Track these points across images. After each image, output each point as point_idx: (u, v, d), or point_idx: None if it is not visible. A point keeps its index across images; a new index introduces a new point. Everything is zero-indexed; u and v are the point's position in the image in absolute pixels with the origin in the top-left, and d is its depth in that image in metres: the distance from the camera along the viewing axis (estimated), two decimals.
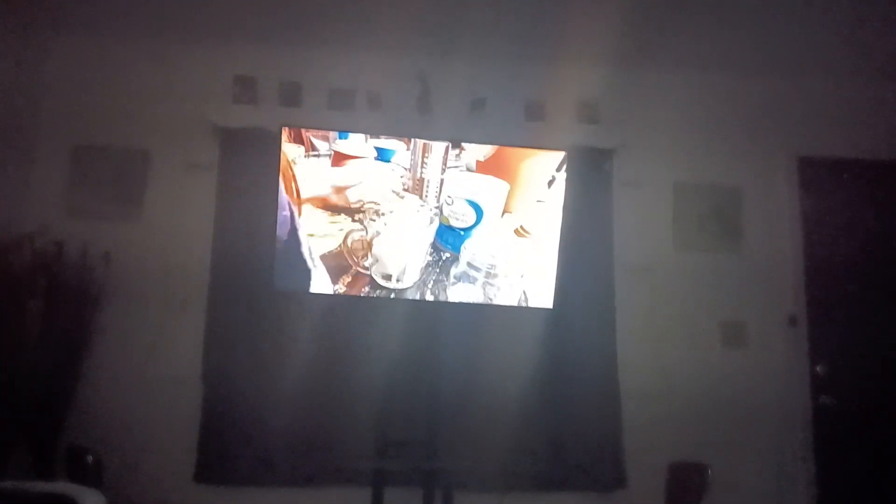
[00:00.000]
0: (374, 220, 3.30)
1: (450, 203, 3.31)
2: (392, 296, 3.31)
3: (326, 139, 3.24)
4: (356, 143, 3.28)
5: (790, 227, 3.89)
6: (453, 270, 3.34)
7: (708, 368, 3.72)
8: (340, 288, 3.29)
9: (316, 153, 3.26)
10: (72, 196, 3.61)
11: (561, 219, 3.33)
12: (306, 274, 3.28)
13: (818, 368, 3.76)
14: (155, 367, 3.49)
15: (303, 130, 3.24)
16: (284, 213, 3.27)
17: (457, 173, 3.30)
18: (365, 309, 3.53)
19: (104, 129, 3.67)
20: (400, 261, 3.33)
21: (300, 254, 3.28)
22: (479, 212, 3.34)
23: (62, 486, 2.41)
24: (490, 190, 3.33)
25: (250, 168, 3.62)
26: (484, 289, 3.36)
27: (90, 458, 3.04)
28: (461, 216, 3.33)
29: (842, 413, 3.71)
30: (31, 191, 3.57)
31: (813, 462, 3.67)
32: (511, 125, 3.79)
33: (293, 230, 3.28)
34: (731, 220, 3.90)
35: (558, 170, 3.34)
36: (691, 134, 3.92)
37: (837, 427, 3.70)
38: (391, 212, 3.30)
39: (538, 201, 3.33)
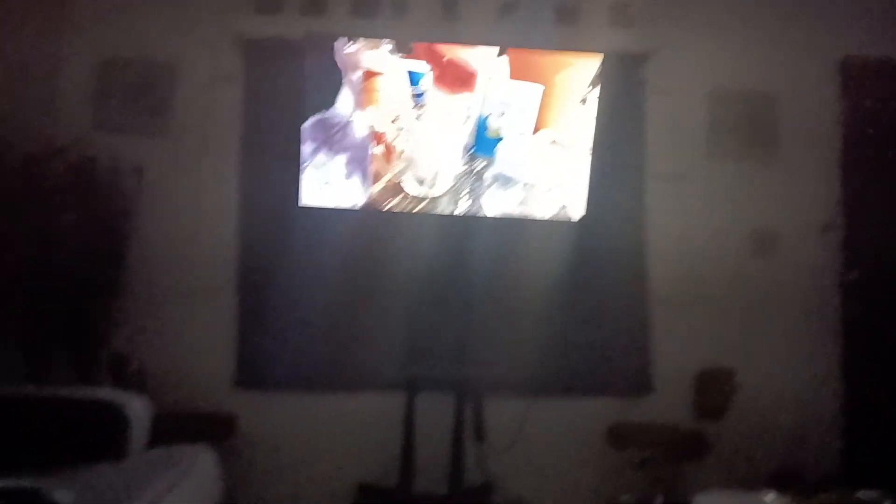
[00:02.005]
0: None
1: (485, 109, 3.27)
2: (425, 203, 3.32)
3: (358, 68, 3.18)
4: (385, 58, 3.22)
5: (828, 134, 3.79)
6: (488, 173, 3.33)
7: (739, 276, 3.71)
8: (372, 198, 3.30)
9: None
10: (100, 110, 3.60)
11: (594, 127, 3.28)
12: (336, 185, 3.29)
13: (850, 276, 3.73)
14: (190, 278, 3.56)
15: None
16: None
17: (492, 81, 3.24)
18: (396, 222, 3.53)
19: (129, 42, 3.62)
20: (433, 163, 3.32)
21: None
22: (513, 117, 3.31)
23: (108, 393, 2.51)
24: (525, 95, 3.27)
25: (276, 79, 3.58)
26: (519, 195, 3.36)
27: (133, 366, 3.14)
28: (496, 122, 3.30)
29: (872, 320, 3.70)
30: (60, 104, 3.56)
31: (841, 369, 3.69)
32: (542, 30, 3.67)
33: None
34: (766, 127, 3.80)
35: (591, 86, 3.28)
36: (727, 37, 3.77)
37: (867, 333, 3.69)
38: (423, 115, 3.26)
39: (572, 116, 3.29)
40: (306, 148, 3.23)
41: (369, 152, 3.30)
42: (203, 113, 3.64)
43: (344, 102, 3.27)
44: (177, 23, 3.63)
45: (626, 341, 3.64)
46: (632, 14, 3.74)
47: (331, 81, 3.25)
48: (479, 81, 3.29)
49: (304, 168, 3.27)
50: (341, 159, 3.29)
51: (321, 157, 3.27)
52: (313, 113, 3.25)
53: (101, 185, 3.38)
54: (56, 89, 3.56)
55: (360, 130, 3.28)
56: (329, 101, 3.25)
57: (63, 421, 2.30)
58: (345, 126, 3.26)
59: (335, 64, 3.23)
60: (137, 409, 2.43)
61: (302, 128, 3.24)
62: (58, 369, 3.29)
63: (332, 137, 3.27)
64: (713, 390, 3.31)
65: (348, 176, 3.30)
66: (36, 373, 3.23)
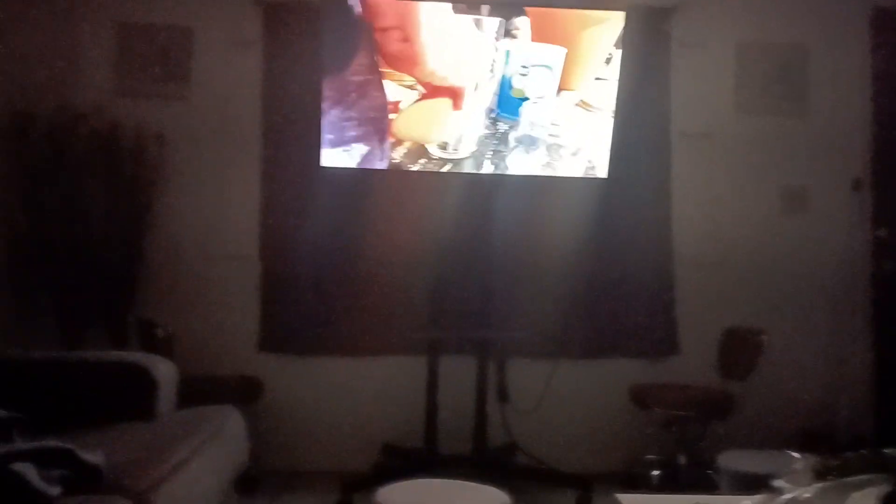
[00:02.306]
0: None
1: (508, 70, 3.22)
2: (449, 167, 3.29)
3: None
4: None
5: (859, 88, 3.70)
6: (512, 135, 3.29)
7: (767, 235, 3.66)
8: (395, 161, 3.28)
9: None
10: (120, 76, 3.60)
11: (617, 85, 3.22)
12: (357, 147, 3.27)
13: (880, 233, 3.66)
14: (214, 245, 3.58)
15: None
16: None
17: (513, 42, 3.19)
18: (418, 182, 3.50)
19: (146, 8, 3.61)
20: (454, 127, 3.28)
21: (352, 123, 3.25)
22: (537, 78, 3.25)
23: (135, 356, 2.54)
24: (549, 57, 3.22)
25: (294, 42, 3.56)
26: (543, 158, 3.32)
27: (160, 331, 3.18)
28: (520, 83, 3.25)
29: None
30: (80, 71, 3.57)
31: (871, 327, 3.64)
32: None
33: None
34: (796, 81, 3.71)
35: (616, 46, 3.21)
36: None
37: None
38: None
39: (597, 78, 3.23)
40: (326, 107, 3.20)
41: (389, 114, 3.27)
42: (223, 77, 3.63)
43: (363, 60, 3.22)
44: None
45: (652, 302, 3.61)
46: None
47: (349, 39, 3.20)
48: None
49: (325, 130, 3.25)
50: (362, 120, 3.26)
51: (341, 117, 3.24)
52: (333, 72, 3.22)
53: (125, 152, 3.40)
54: (75, 57, 3.56)
55: (380, 90, 3.24)
56: (348, 58, 3.21)
57: (92, 383, 2.32)
58: (365, 85, 3.22)
59: (354, 21, 3.18)
60: (164, 371, 2.45)
61: (322, 86, 3.20)
62: (90, 336, 3.35)
63: (352, 97, 3.24)
64: (739, 350, 3.27)
65: (369, 137, 3.27)
66: (69, 339, 3.30)
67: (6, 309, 3.15)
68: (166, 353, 3.09)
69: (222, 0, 3.62)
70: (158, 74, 3.60)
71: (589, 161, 3.34)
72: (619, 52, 3.25)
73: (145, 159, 3.45)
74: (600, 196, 3.51)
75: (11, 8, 3.13)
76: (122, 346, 3.35)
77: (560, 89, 3.28)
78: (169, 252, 3.53)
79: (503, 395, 3.55)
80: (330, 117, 3.22)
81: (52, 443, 1.71)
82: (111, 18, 3.59)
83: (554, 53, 3.24)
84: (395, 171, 3.34)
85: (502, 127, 3.31)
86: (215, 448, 2.18)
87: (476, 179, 3.37)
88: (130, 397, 2.32)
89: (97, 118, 3.34)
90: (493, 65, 3.24)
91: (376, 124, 3.26)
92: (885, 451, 1.77)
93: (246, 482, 2.63)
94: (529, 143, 3.31)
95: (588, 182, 3.40)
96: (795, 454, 2.13)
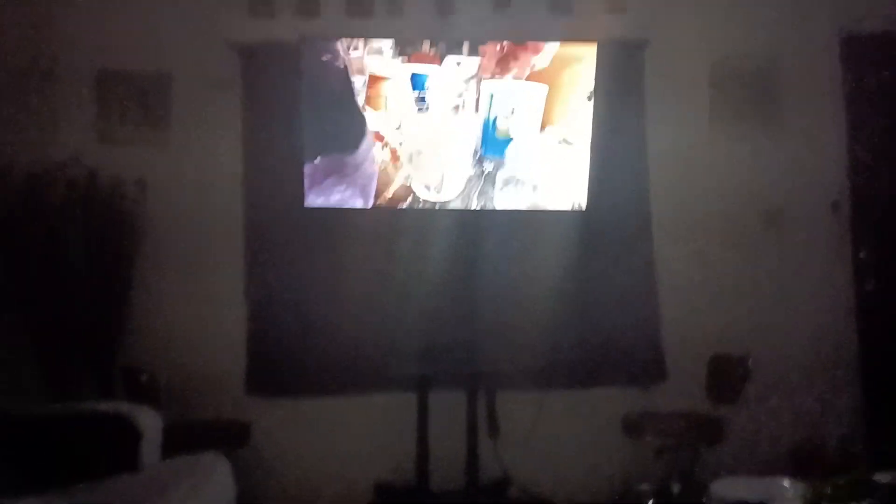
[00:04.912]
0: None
1: (492, 111, 3.27)
2: (436, 208, 3.32)
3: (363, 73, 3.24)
4: (388, 62, 3.24)
5: (833, 110, 3.74)
6: (499, 175, 3.33)
7: (748, 257, 3.67)
8: (382, 201, 3.30)
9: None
10: (99, 123, 3.60)
11: (591, 117, 3.26)
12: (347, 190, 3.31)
13: (861, 254, 3.69)
14: (197, 287, 3.56)
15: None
16: None
17: (496, 83, 3.25)
18: (403, 218, 3.52)
19: (124, 53, 3.62)
20: (438, 167, 3.31)
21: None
22: (520, 118, 3.30)
23: (119, 406, 2.51)
24: (530, 95, 3.27)
25: (273, 83, 3.57)
26: (530, 197, 3.35)
27: (144, 377, 3.15)
28: (504, 123, 3.29)
29: (886, 298, 3.65)
30: (58, 119, 3.56)
31: (857, 348, 3.65)
32: (537, 21, 3.64)
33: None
34: (769, 101, 3.75)
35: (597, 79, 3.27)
36: (724, 11, 3.71)
37: (882, 313, 3.65)
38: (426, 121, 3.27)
39: (579, 112, 3.29)
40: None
41: (374, 157, 3.30)
42: (202, 120, 3.64)
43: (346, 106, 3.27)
44: (170, 31, 3.62)
45: (637, 329, 3.61)
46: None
47: (330, 84, 3.25)
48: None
49: (309, 176, 3.30)
50: (347, 170, 3.30)
51: (325, 165, 3.29)
52: (311, 114, 3.26)
53: (104, 199, 3.38)
54: (53, 105, 3.56)
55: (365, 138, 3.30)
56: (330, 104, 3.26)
57: (75, 436, 2.30)
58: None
59: (333, 66, 3.24)
60: (148, 420, 2.44)
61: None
62: (75, 381, 3.31)
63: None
64: (727, 374, 3.28)
65: (353, 183, 3.32)
66: (54, 387, 3.26)
67: None
68: (152, 398, 3.08)
69: (200, 44, 3.63)
70: (138, 120, 3.61)
71: (572, 194, 3.37)
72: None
73: (126, 205, 3.44)
74: (582, 227, 3.52)
75: None
76: (108, 392, 3.33)
77: (542, 125, 3.32)
78: (152, 295, 3.51)
79: (494, 429, 3.53)
80: (312, 170, 3.26)
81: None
82: (89, 66, 3.59)
83: (536, 91, 3.29)
84: (380, 210, 3.36)
85: (488, 167, 3.35)
86: (201, 499, 2.16)
87: (460, 215, 3.39)
88: (114, 449, 2.30)
89: (76, 166, 3.33)
90: (476, 105, 3.29)
91: (362, 184, 3.30)
92: (875, 476, 1.78)
93: None
94: (515, 183, 3.35)
95: (569, 214, 3.42)
96: (787, 482, 2.14)
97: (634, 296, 3.62)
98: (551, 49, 3.30)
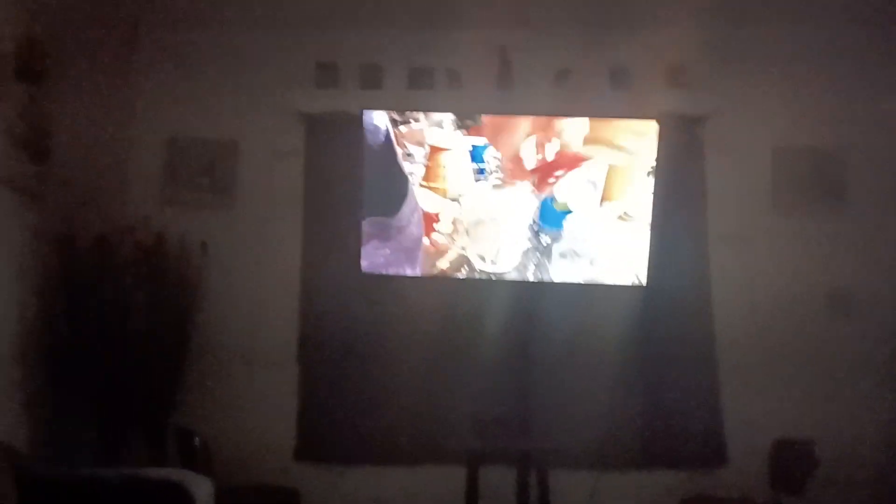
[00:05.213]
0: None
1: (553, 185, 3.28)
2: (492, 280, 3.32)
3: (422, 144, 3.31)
4: (450, 134, 3.30)
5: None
6: (555, 248, 3.32)
7: (813, 339, 3.56)
8: (437, 271, 3.32)
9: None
10: (167, 188, 3.73)
11: (652, 192, 3.24)
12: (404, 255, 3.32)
13: None
14: (253, 351, 3.60)
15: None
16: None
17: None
18: (459, 288, 3.51)
19: (194, 122, 3.76)
20: (494, 239, 3.32)
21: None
22: (580, 190, 3.31)
23: (173, 473, 2.52)
24: (592, 169, 3.30)
25: (336, 152, 3.66)
26: (586, 270, 3.32)
27: (198, 441, 3.16)
28: (563, 196, 3.31)
29: None
30: (129, 184, 3.71)
31: None
32: (597, 96, 3.67)
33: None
34: (834, 183, 3.68)
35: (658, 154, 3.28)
36: (790, 93, 3.68)
37: None
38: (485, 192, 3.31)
39: (640, 187, 3.29)
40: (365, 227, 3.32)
41: (419, 220, 3.33)
42: (266, 187, 3.74)
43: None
44: (239, 101, 3.76)
45: (697, 410, 3.51)
46: (687, 74, 3.70)
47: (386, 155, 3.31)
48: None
49: (365, 241, 3.34)
50: (391, 233, 3.34)
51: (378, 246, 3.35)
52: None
53: (168, 261, 3.47)
54: (125, 170, 3.71)
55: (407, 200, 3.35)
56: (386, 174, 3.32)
57: (130, 502, 2.31)
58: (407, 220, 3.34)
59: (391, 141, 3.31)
60: (200, 486, 2.43)
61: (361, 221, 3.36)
62: (130, 446, 3.34)
63: (382, 226, 3.35)
64: (791, 462, 3.14)
65: (398, 247, 3.34)
66: (108, 448, 3.29)
67: (47, 420, 3.16)
68: (204, 462, 3.08)
69: (267, 113, 3.76)
70: (204, 185, 3.73)
71: (630, 269, 3.34)
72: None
73: (188, 267, 3.51)
74: (641, 303, 3.47)
75: (68, 124, 3.27)
76: (160, 453, 3.34)
77: (603, 200, 3.32)
78: (208, 358, 3.55)
79: None
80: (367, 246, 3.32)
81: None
82: (161, 133, 3.74)
83: (598, 166, 3.30)
84: (436, 279, 3.37)
85: (545, 240, 3.34)
86: None
87: (516, 287, 3.38)
88: None
89: (143, 229, 3.43)
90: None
91: (407, 247, 3.33)
92: None
93: None
94: (572, 256, 3.32)
95: (629, 290, 3.38)
96: None
97: (694, 375, 3.53)
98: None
